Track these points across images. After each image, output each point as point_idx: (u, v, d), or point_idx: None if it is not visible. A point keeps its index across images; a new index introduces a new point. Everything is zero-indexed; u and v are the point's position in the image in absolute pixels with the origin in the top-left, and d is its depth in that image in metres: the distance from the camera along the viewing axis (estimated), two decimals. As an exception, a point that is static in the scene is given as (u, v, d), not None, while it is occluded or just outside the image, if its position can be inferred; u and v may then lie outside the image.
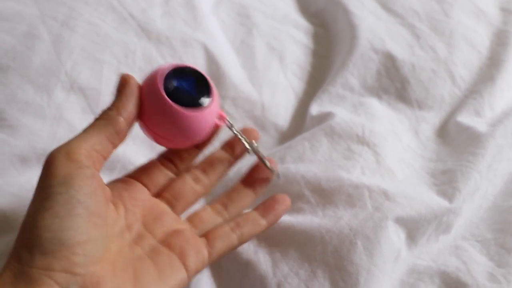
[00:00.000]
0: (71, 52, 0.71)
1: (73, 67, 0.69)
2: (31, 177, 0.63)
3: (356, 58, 0.79)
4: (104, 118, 0.47)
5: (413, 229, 0.59)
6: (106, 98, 0.69)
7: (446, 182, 0.64)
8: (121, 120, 0.47)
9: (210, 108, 0.50)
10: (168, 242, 0.48)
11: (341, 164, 0.64)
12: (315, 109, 0.75)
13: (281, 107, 0.77)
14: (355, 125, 0.68)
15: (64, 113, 0.67)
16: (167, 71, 0.49)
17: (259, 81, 0.77)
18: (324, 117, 0.71)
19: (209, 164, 0.56)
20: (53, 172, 0.42)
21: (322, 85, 0.79)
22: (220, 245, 0.50)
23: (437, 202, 0.61)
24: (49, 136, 0.65)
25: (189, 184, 0.54)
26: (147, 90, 0.49)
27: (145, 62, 0.73)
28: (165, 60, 0.74)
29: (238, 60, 0.80)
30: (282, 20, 0.86)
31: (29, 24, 0.72)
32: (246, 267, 0.57)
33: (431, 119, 0.74)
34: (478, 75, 0.78)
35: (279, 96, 0.78)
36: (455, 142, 0.70)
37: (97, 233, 0.41)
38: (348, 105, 0.74)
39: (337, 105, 0.74)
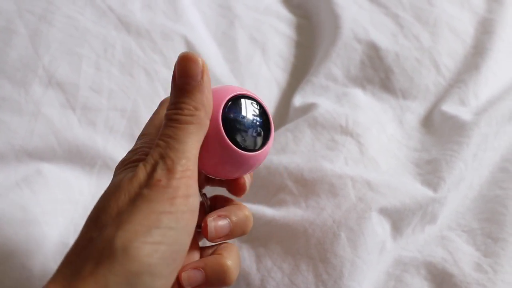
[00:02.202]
0: (49, 47, 0.69)
1: (51, 62, 0.68)
2: (9, 175, 0.62)
3: (339, 48, 0.78)
4: (197, 122, 0.40)
5: (398, 220, 0.58)
6: (85, 92, 0.67)
7: (430, 171, 0.63)
8: (208, 123, 0.41)
9: (266, 147, 0.45)
10: None
11: (324, 155, 0.63)
12: (298, 100, 0.74)
13: (264, 99, 0.75)
14: (338, 116, 0.68)
15: (42, 109, 0.65)
16: (225, 101, 0.43)
17: (242, 73, 0.77)
18: (308, 108, 0.71)
19: None
20: (165, 196, 0.37)
21: (305, 76, 0.78)
22: None
23: (422, 192, 0.60)
24: (27, 132, 0.64)
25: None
26: None
27: (124, 56, 0.72)
28: (145, 54, 0.73)
29: (220, 52, 0.79)
30: (264, 11, 0.85)
31: (5, 18, 0.71)
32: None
33: (416, 108, 0.73)
34: (462, 64, 0.77)
35: (262, 88, 0.77)
36: (440, 132, 0.69)
37: (173, 277, 0.38)
38: (332, 95, 0.74)
39: (321, 95, 0.74)
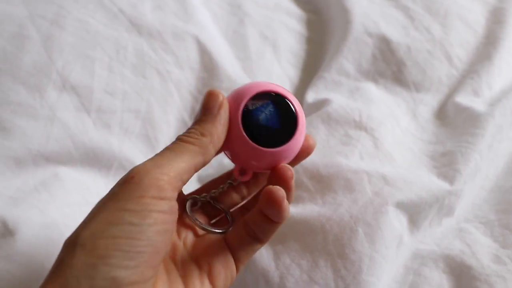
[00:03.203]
0: (62, 51, 0.70)
1: (64, 66, 0.69)
2: (27, 179, 0.62)
3: (350, 42, 0.78)
4: (198, 145, 0.42)
5: (415, 213, 0.58)
6: (99, 95, 0.68)
7: (446, 164, 0.63)
8: (212, 151, 0.43)
9: (293, 141, 0.46)
10: (197, 256, 0.46)
11: (339, 150, 0.64)
12: (311, 96, 0.74)
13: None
14: (352, 111, 0.68)
15: (58, 113, 0.66)
16: (246, 100, 0.45)
17: (253, 71, 0.77)
18: (321, 104, 0.71)
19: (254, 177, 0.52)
20: (133, 195, 0.38)
21: (317, 72, 0.78)
22: (245, 257, 0.47)
23: (438, 185, 0.60)
24: (43, 136, 0.64)
25: (228, 192, 0.52)
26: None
27: (137, 58, 0.72)
28: (157, 55, 0.73)
29: (231, 51, 0.79)
30: (274, 8, 0.85)
31: (18, 24, 0.71)
32: (248, 261, 0.56)
33: (429, 101, 0.73)
34: (475, 55, 0.77)
35: (275, 85, 0.77)
36: (454, 124, 0.69)
37: (152, 273, 0.38)
38: (344, 90, 0.73)
39: (333, 91, 0.74)
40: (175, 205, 0.40)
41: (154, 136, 0.69)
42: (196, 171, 0.43)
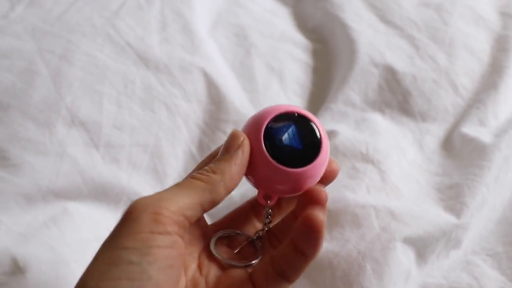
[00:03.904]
0: (71, 86, 0.71)
1: (73, 101, 0.69)
2: (37, 215, 0.63)
3: (356, 73, 0.78)
4: (206, 181, 0.42)
5: (422, 247, 0.58)
6: (108, 130, 0.69)
7: (453, 197, 0.63)
8: (222, 190, 0.42)
9: (317, 162, 0.46)
10: None
11: (346, 184, 0.64)
12: (318, 127, 0.74)
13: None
14: (358, 143, 0.68)
15: (67, 149, 0.67)
16: (268, 121, 0.45)
17: (260, 102, 0.77)
18: (328, 136, 0.71)
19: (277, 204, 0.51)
20: (131, 230, 0.37)
21: (323, 103, 0.79)
22: None
23: (445, 218, 0.60)
24: (53, 172, 0.65)
25: (251, 220, 0.52)
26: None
27: (144, 91, 0.73)
28: (165, 88, 0.74)
29: (238, 82, 0.79)
30: (280, 38, 0.86)
31: (27, 60, 0.72)
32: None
33: (435, 131, 0.73)
34: (480, 83, 0.77)
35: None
36: (461, 155, 0.69)
37: None
38: (351, 121, 0.74)
39: (340, 122, 0.74)
40: (178, 240, 0.39)
41: (162, 170, 0.69)
42: (204, 209, 0.42)
